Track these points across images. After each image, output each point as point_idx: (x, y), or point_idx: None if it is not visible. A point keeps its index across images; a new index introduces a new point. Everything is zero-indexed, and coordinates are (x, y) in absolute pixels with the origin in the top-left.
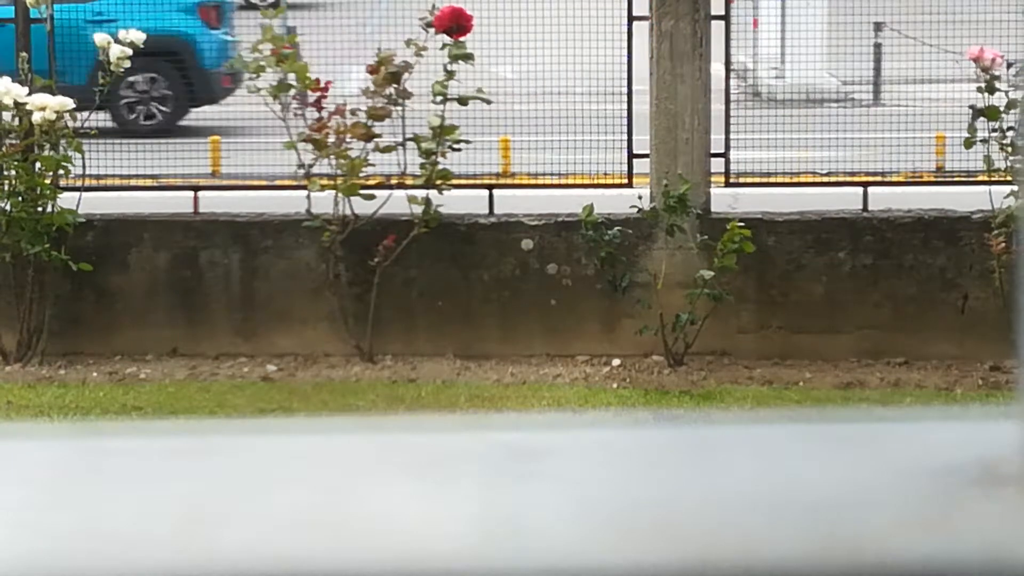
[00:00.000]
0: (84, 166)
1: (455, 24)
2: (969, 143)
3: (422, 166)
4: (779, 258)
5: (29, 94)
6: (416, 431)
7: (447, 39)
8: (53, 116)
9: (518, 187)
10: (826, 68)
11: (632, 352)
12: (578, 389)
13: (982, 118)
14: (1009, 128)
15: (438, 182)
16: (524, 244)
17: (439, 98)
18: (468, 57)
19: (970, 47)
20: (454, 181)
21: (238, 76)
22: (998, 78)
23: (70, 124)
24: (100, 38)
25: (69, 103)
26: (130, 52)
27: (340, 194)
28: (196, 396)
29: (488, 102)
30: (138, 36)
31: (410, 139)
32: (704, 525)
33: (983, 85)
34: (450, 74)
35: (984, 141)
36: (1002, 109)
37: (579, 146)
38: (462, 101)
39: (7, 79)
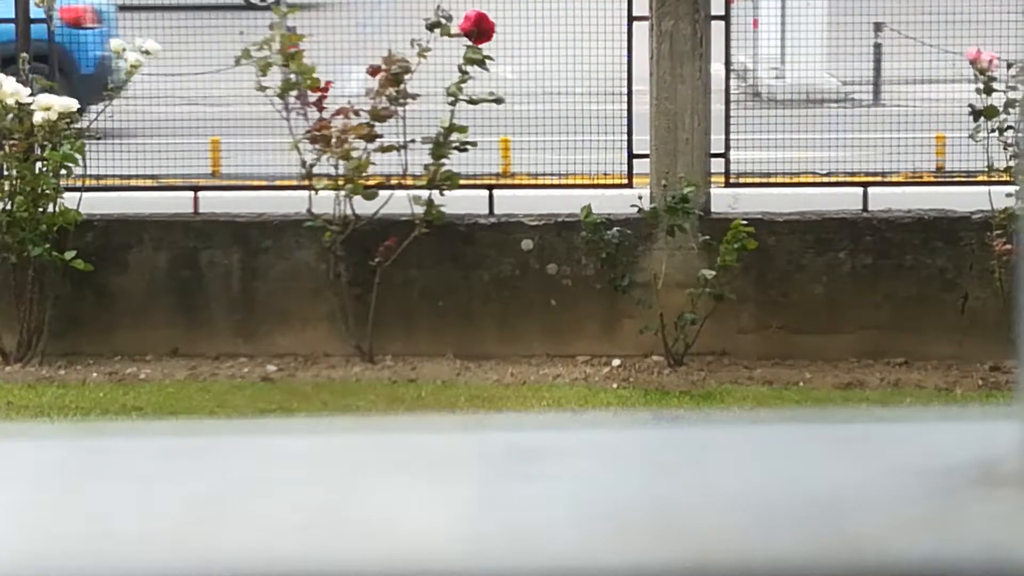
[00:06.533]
0: (85, 166)
1: (478, 29)
2: (976, 135)
3: (426, 166)
4: (779, 258)
5: (31, 95)
6: (416, 431)
7: (451, 40)
8: (56, 116)
9: (518, 187)
10: (826, 68)
11: (632, 352)
12: (578, 389)
13: (982, 118)
14: (1008, 128)
15: (440, 183)
16: (524, 244)
17: (451, 99)
18: (483, 61)
19: (968, 48)
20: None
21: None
22: (995, 79)
23: (74, 125)
24: (116, 43)
25: (74, 104)
26: (144, 60)
27: (343, 194)
28: (196, 396)
29: (500, 102)
30: (154, 46)
31: (425, 140)
32: (704, 525)
33: (981, 86)
34: (465, 77)
35: (982, 140)
36: (1001, 108)
37: (579, 146)
38: (473, 102)
39: (11, 79)
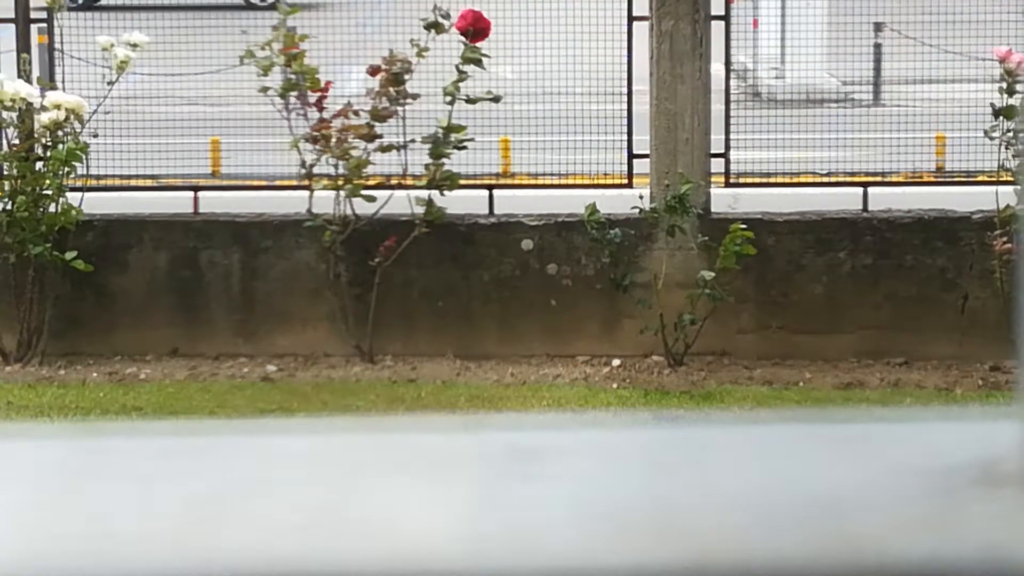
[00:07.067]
0: (87, 166)
1: (474, 27)
2: (991, 133)
3: (427, 166)
4: (779, 258)
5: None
6: (416, 431)
7: (450, 40)
8: (63, 116)
9: (518, 187)
10: (826, 68)
11: (632, 352)
12: (578, 389)
13: (1001, 118)
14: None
15: (440, 183)
16: (524, 244)
17: (449, 98)
18: (480, 60)
19: (996, 47)
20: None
21: None
22: (1020, 80)
23: (76, 125)
24: (104, 40)
25: (84, 103)
26: (134, 55)
27: (343, 194)
28: (196, 396)
29: (497, 100)
30: (141, 38)
31: (425, 139)
32: (704, 525)
33: (1004, 86)
34: (463, 76)
35: (996, 139)
36: (1020, 108)
37: (579, 146)
38: (471, 100)
39: (20, 80)
